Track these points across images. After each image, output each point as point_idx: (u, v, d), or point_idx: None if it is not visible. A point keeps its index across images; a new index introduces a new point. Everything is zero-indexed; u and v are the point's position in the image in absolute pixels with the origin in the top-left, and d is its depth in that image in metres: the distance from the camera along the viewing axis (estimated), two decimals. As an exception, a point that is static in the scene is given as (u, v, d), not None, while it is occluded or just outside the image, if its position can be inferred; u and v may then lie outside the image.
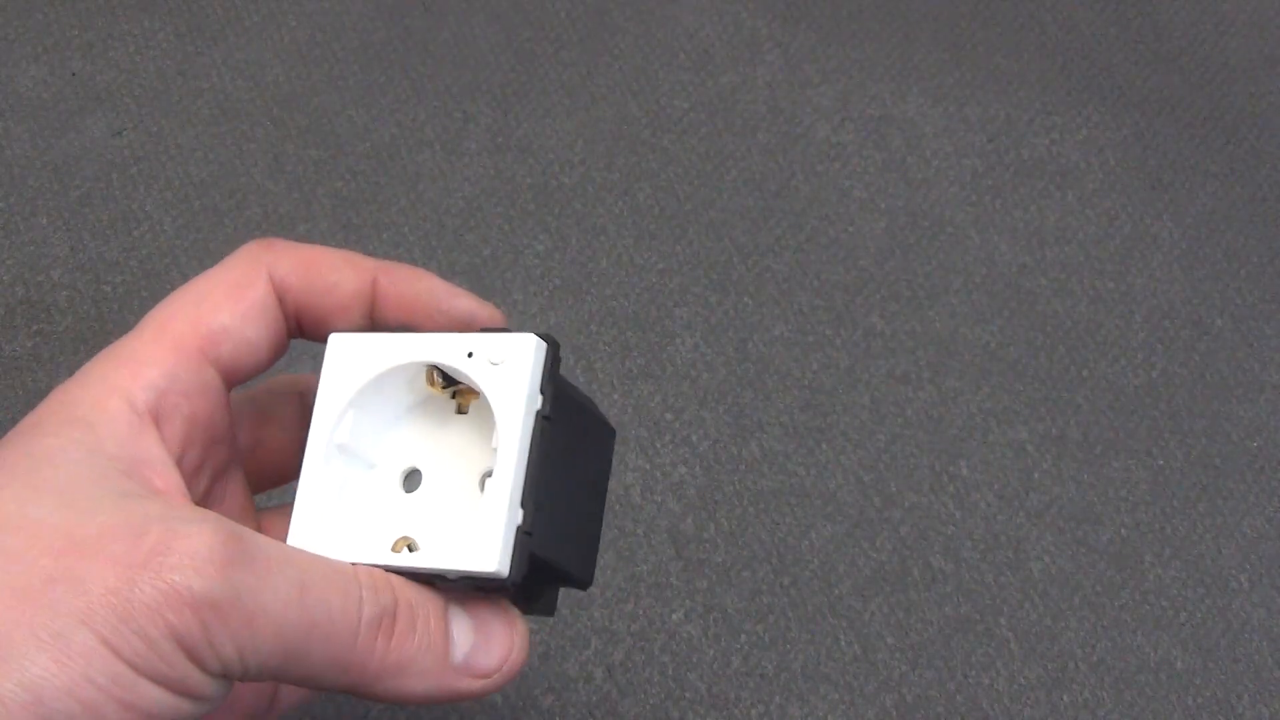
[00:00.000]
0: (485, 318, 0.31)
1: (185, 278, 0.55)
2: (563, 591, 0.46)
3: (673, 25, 0.60)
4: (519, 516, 0.28)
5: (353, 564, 0.28)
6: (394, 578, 0.28)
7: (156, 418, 0.28)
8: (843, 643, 0.46)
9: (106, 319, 0.50)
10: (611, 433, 0.32)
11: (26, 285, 0.51)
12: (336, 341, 0.30)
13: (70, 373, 0.48)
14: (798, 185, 0.56)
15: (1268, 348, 0.53)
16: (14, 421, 0.46)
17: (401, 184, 0.55)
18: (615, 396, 0.50)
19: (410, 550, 0.29)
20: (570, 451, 0.30)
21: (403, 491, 0.31)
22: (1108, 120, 0.59)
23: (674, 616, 0.46)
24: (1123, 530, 0.49)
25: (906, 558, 0.47)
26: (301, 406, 0.33)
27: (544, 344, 0.29)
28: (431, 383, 0.30)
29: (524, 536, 0.28)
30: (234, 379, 0.30)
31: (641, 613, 0.46)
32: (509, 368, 0.28)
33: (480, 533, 0.27)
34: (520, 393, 0.28)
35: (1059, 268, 0.54)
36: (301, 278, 0.30)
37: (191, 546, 0.24)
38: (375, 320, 0.31)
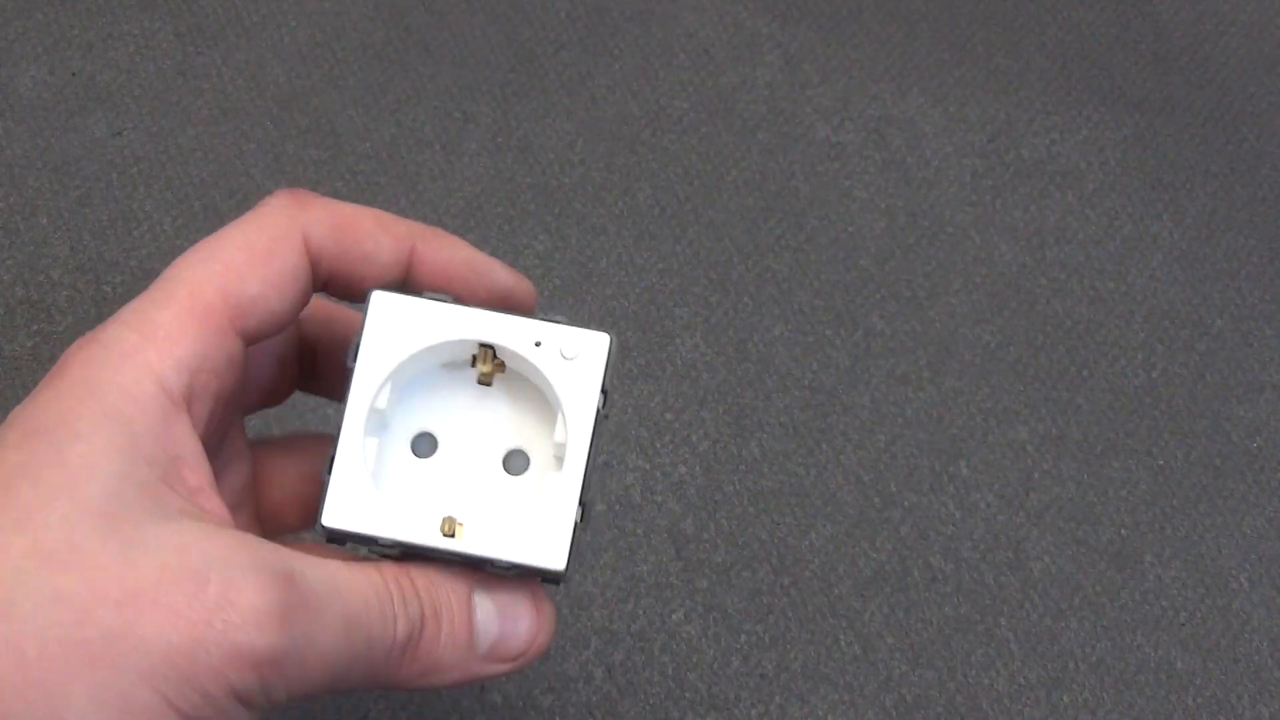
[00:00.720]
0: (522, 291, 0.31)
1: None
2: (564, 591, 0.46)
3: (673, 25, 0.60)
4: (578, 514, 0.28)
5: (379, 570, 0.28)
6: (418, 580, 0.28)
7: (188, 401, 0.27)
8: (843, 643, 0.46)
9: (106, 319, 0.50)
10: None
11: (26, 285, 0.51)
12: (381, 301, 0.29)
13: (70, 373, 0.48)
14: (798, 185, 0.56)
15: (1268, 348, 0.53)
16: (14, 421, 0.46)
17: (401, 184, 0.55)
18: (615, 396, 0.50)
19: (452, 531, 0.29)
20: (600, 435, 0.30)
21: (412, 454, 0.31)
22: (1108, 120, 0.59)
23: (674, 616, 0.46)
24: (1123, 530, 0.49)
25: (906, 558, 0.47)
26: (298, 333, 0.32)
27: (613, 341, 0.29)
28: (485, 361, 0.30)
29: (578, 531, 0.29)
30: (253, 342, 0.29)
31: (641, 613, 0.46)
32: (582, 365, 0.29)
33: (548, 530, 0.28)
34: (593, 393, 0.29)
35: (1059, 268, 0.54)
36: (337, 243, 0.29)
37: (252, 602, 0.24)
38: (409, 284, 0.31)
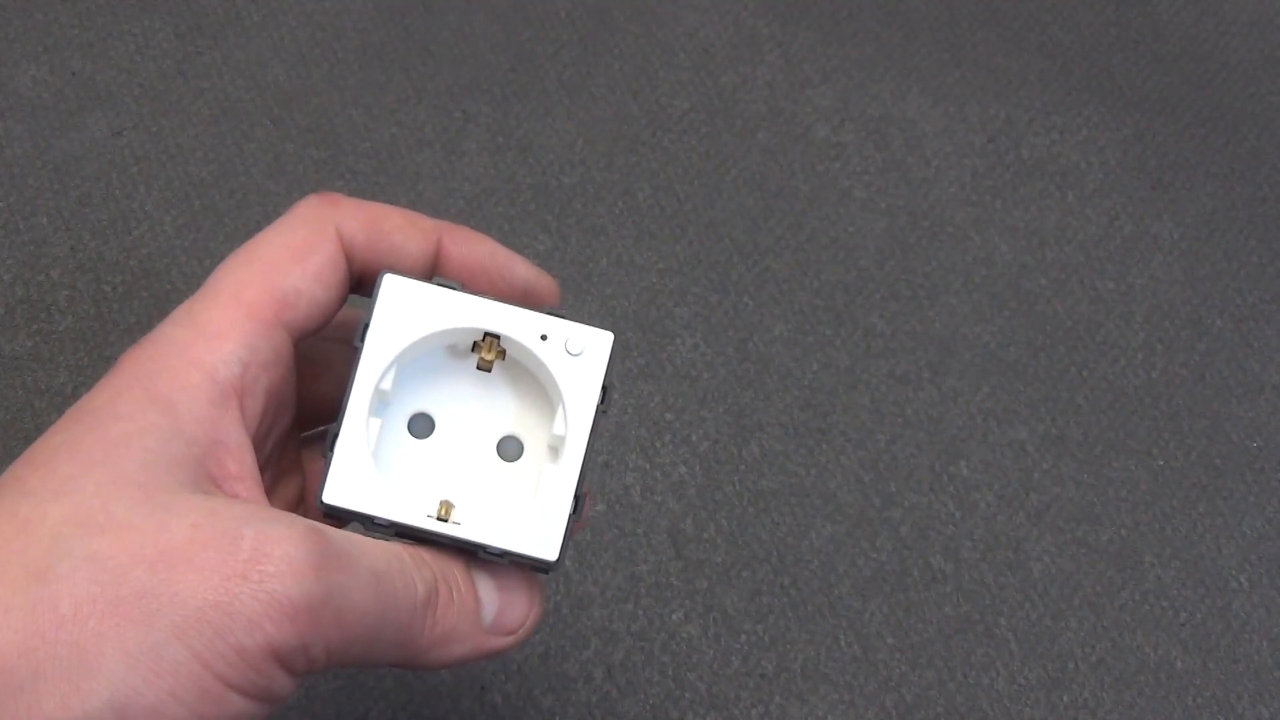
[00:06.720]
0: (543, 286, 0.32)
1: (185, 277, 0.55)
2: (564, 591, 0.46)
3: (673, 25, 0.60)
4: (572, 505, 0.29)
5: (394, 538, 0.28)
6: (423, 552, 0.28)
7: (239, 393, 0.27)
8: (843, 643, 0.46)
9: (106, 319, 0.50)
10: None
11: (26, 285, 0.51)
12: (392, 284, 0.30)
13: (70, 373, 0.49)
14: (798, 185, 0.56)
15: (1268, 348, 0.53)
16: (13, 421, 0.46)
17: (401, 184, 0.55)
18: (615, 396, 0.50)
19: (446, 516, 0.29)
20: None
21: (408, 434, 0.31)
22: (1108, 120, 0.59)
23: (674, 616, 0.46)
24: (1123, 530, 0.49)
25: (906, 558, 0.47)
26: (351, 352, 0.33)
27: (615, 340, 0.30)
28: (488, 349, 0.31)
29: (571, 523, 0.29)
30: (301, 339, 0.30)
31: (641, 613, 0.46)
32: (585, 361, 0.30)
33: (542, 521, 0.29)
34: (594, 389, 0.29)
35: (1059, 268, 0.54)
36: (368, 238, 0.30)
37: (286, 552, 0.24)
38: (435, 276, 0.31)
